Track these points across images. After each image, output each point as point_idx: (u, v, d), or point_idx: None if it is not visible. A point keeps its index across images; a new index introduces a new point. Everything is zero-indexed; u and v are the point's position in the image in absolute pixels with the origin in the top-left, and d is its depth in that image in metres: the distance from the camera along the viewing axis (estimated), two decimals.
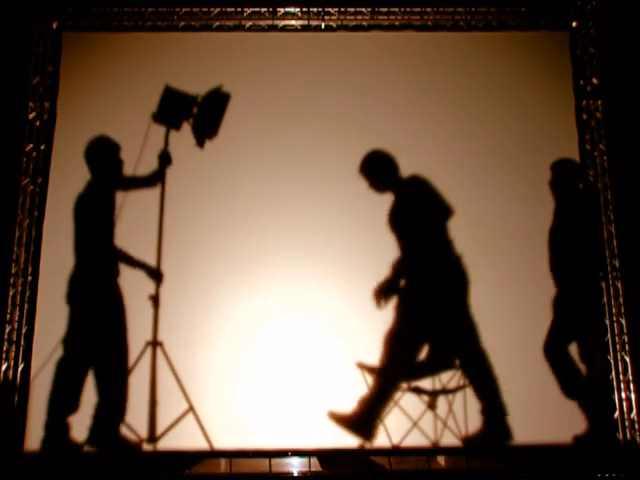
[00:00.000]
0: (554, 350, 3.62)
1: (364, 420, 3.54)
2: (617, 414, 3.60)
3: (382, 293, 3.64)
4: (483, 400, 3.57)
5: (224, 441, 3.54)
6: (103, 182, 3.80)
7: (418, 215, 3.77)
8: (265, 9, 4.08)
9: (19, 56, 3.95)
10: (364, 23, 4.09)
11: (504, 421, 3.52)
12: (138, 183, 3.81)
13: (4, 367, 3.61)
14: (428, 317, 3.67)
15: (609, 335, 3.70)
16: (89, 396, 3.59)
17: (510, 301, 3.73)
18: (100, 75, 3.99)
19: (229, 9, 4.07)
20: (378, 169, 3.85)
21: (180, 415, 3.55)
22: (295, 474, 3.48)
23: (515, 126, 3.96)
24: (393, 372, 3.59)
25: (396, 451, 3.52)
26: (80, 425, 3.55)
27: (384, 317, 3.69)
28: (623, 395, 3.62)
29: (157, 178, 3.82)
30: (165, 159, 3.82)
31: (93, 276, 3.69)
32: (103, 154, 3.82)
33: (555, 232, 3.76)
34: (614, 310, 3.72)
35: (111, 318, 3.65)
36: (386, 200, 3.84)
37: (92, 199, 3.75)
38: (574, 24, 4.10)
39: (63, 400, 3.56)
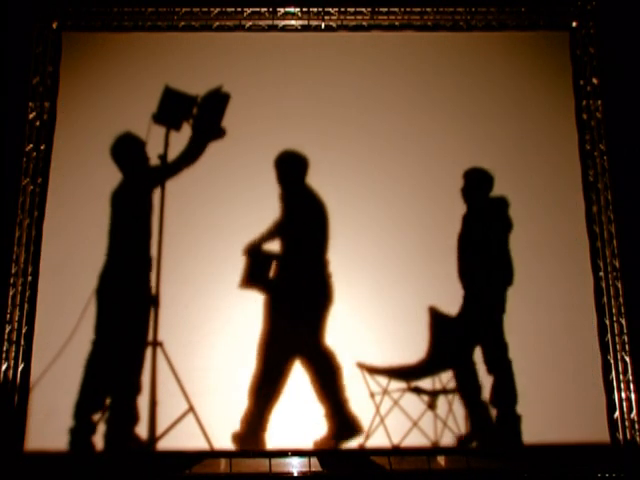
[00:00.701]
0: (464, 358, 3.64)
1: (250, 434, 3.54)
2: (617, 414, 3.60)
3: (244, 284, 3.66)
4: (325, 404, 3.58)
5: (224, 441, 3.54)
6: (136, 178, 3.81)
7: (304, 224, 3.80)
8: (265, 9, 4.08)
9: (19, 56, 3.95)
10: (364, 23, 4.09)
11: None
12: (174, 168, 3.81)
13: (4, 367, 3.61)
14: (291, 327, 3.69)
15: (609, 335, 3.69)
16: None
17: (509, 301, 3.74)
18: (100, 75, 3.99)
19: (229, 9, 4.07)
20: (285, 169, 3.85)
21: (180, 415, 3.55)
22: (295, 474, 3.48)
23: (515, 126, 3.96)
24: (266, 383, 3.60)
25: (396, 451, 3.52)
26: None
27: (384, 317, 3.69)
28: (623, 395, 3.62)
29: (195, 153, 3.81)
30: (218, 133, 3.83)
31: (127, 272, 3.70)
32: (134, 150, 3.82)
33: (462, 239, 3.76)
34: (614, 310, 3.72)
35: (140, 314, 3.66)
36: (385, 200, 3.85)
37: (127, 195, 3.76)
38: (574, 24, 4.10)
39: (91, 397, 3.57)
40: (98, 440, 3.53)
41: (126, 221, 3.76)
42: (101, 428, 3.54)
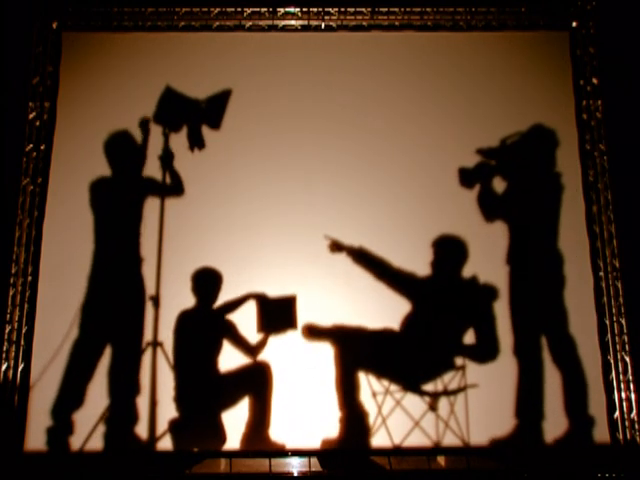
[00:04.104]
0: None
1: None
2: (617, 414, 3.60)
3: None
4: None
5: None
6: (127, 175, 3.82)
7: None
8: (265, 9, 4.08)
9: (19, 56, 3.95)
10: (364, 23, 4.09)
11: None
12: (160, 188, 3.81)
13: (4, 367, 3.61)
14: None
15: (609, 335, 3.70)
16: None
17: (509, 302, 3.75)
18: (100, 75, 3.99)
19: (229, 9, 4.07)
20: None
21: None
22: (295, 474, 3.48)
23: (515, 126, 3.95)
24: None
25: (396, 451, 3.52)
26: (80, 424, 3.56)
27: (384, 317, 3.69)
28: (623, 395, 3.62)
29: (176, 182, 3.82)
30: (167, 157, 3.82)
31: (117, 266, 3.70)
32: (127, 149, 3.83)
33: None
34: (614, 310, 3.72)
35: (139, 314, 3.66)
36: (385, 200, 3.85)
37: (113, 189, 3.77)
38: (574, 24, 4.10)
39: (70, 395, 3.56)
40: (98, 440, 3.53)
41: (116, 220, 3.75)
42: (101, 428, 3.54)
